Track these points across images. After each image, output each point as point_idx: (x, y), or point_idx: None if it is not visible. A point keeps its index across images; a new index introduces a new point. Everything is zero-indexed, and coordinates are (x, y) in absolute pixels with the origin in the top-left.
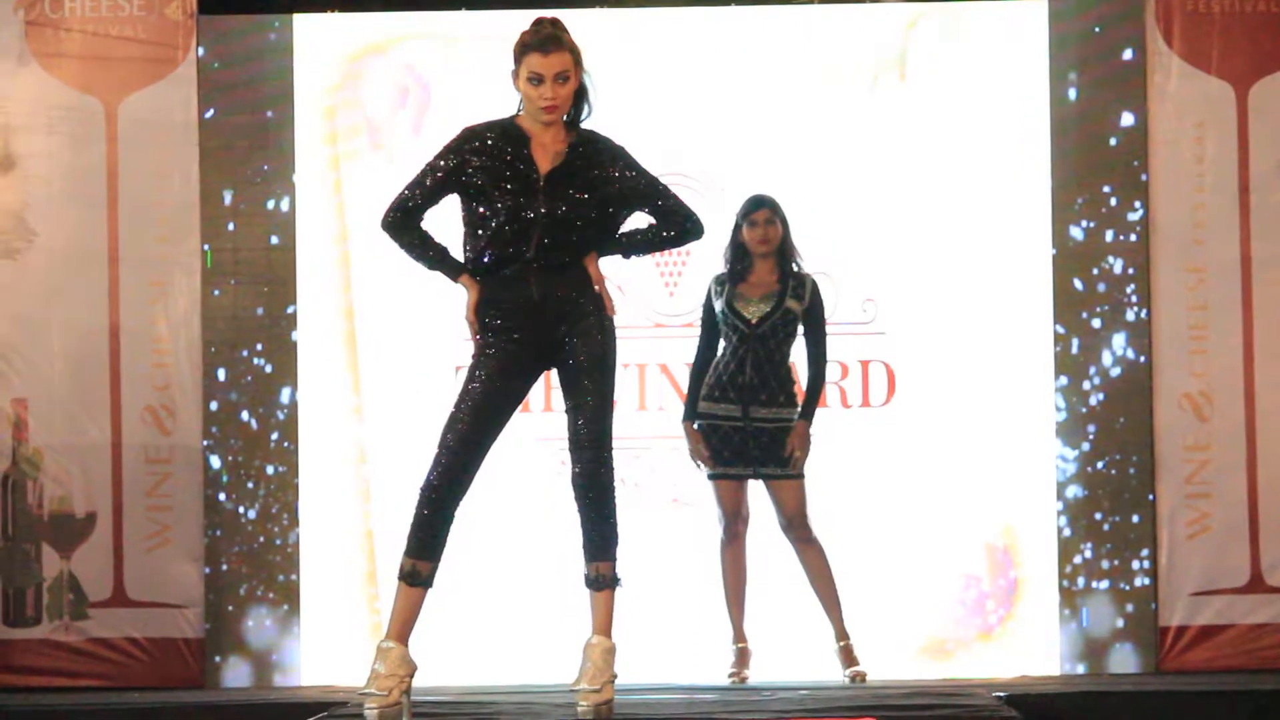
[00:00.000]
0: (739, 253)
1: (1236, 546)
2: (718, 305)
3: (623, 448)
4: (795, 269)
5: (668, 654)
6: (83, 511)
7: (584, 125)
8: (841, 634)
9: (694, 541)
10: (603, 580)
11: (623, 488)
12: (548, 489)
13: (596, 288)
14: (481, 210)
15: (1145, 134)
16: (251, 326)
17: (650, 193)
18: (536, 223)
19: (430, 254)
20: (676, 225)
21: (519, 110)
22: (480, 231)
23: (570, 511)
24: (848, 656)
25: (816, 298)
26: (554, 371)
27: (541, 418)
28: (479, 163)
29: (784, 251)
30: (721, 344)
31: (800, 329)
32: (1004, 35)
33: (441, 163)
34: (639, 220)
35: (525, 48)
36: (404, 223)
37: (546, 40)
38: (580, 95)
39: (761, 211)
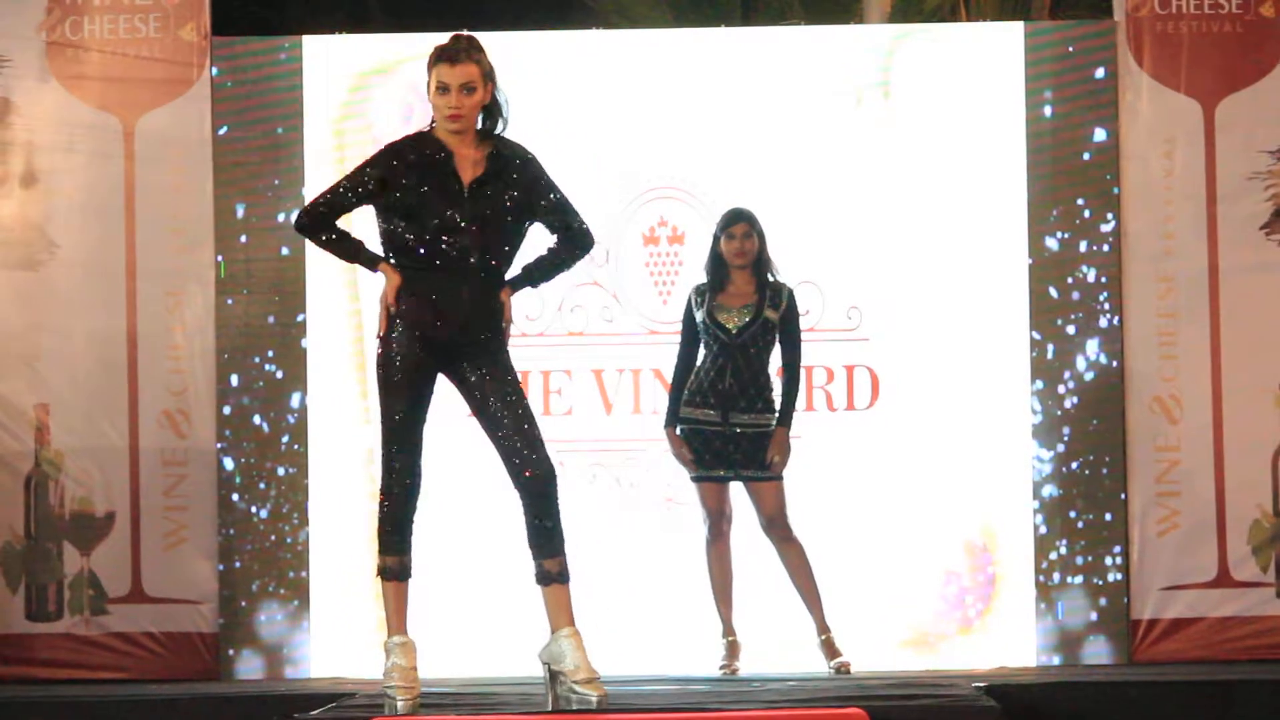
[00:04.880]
0: (718, 264)
1: (1205, 543)
2: (698, 315)
3: (618, 450)
4: (772, 279)
5: (661, 647)
6: (102, 511)
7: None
8: (823, 628)
9: (686, 539)
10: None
11: (618, 488)
12: None
13: (505, 323)
14: (405, 221)
15: (1117, 149)
16: (263, 334)
17: (556, 207)
18: (460, 231)
19: (348, 246)
20: (576, 247)
21: (433, 123)
22: (404, 241)
23: (569, 506)
24: (830, 649)
25: (792, 306)
26: (458, 377)
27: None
28: (406, 179)
29: (761, 263)
30: (702, 352)
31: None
32: (982, 55)
33: (367, 177)
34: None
35: (436, 59)
36: (319, 225)
37: (457, 52)
38: (492, 110)
39: (739, 225)
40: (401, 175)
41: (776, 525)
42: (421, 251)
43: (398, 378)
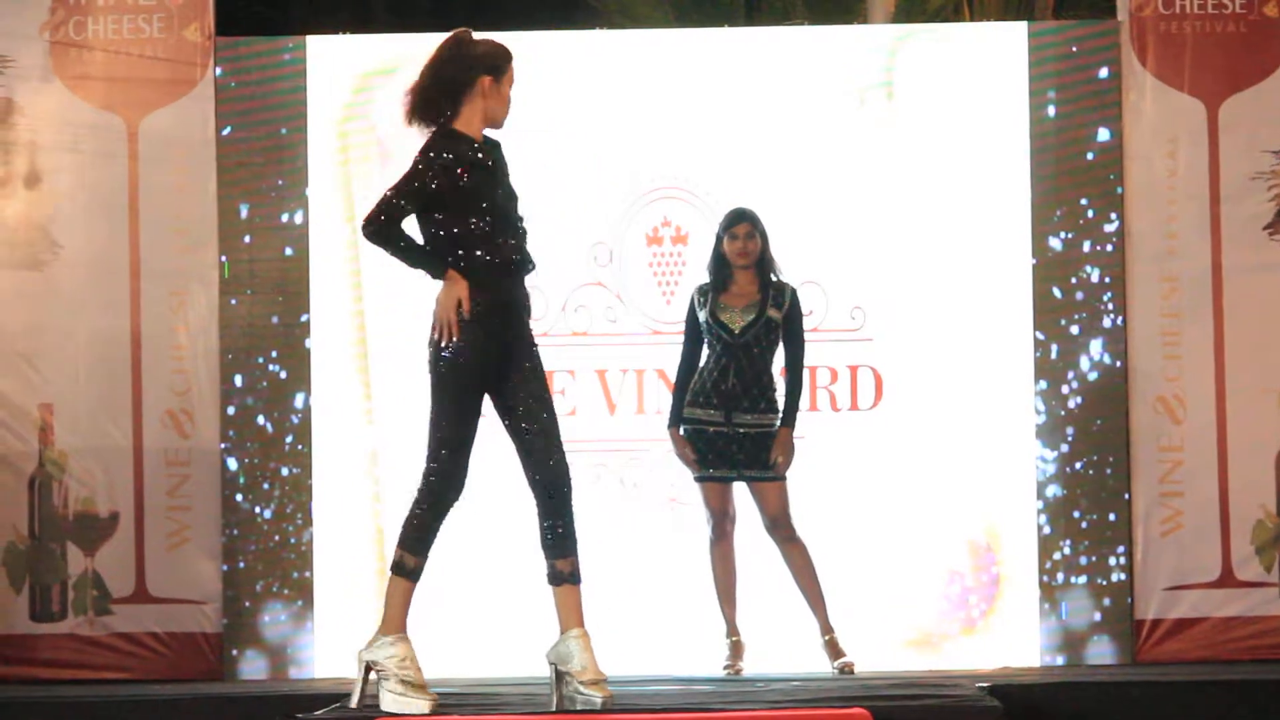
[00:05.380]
0: (720, 264)
1: (1208, 543)
2: (701, 315)
3: (622, 450)
4: (774, 279)
5: (665, 647)
6: (106, 511)
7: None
8: (826, 628)
9: (690, 539)
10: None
11: (622, 488)
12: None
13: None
14: (473, 221)
15: (1121, 149)
16: (267, 334)
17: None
18: (515, 227)
19: (415, 252)
20: None
21: (453, 123)
22: (470, 241)
23: (580, 508)
24: (834, 649)
25: (795, 306)
26: (502, 376)
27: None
28: (473, 175)
29: (763, 263)
30: (705, 352)
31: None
32: (986, 55)
33: (431, 177)
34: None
35: (509, 57)
36: (391, 228)
37: None
38: None
39: (742, 225)
40: (469, 170)
41: (780, 526)
42: (489, 250)
43: (466, 386)
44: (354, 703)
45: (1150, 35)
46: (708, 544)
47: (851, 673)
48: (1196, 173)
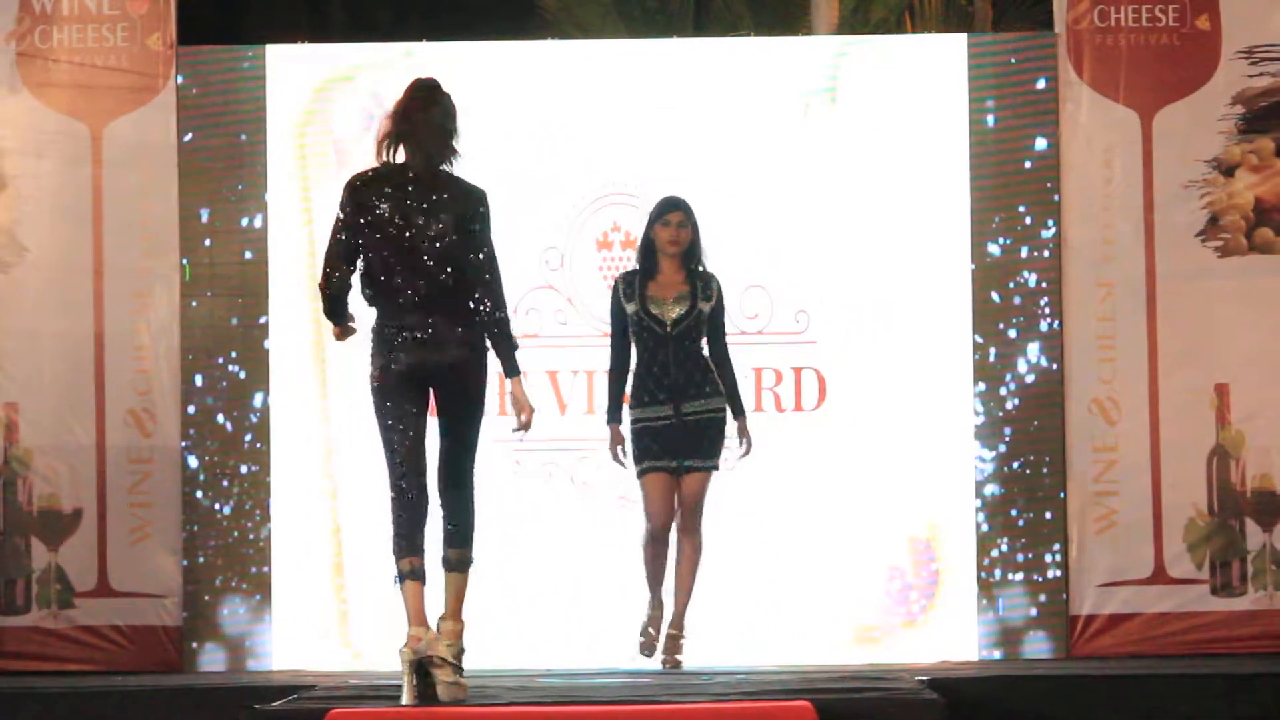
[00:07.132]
0: (648, 250)
1: (1141, 541)
2: (630, 307)
3: (572, 449)
4: (700, 269)
5: (613, 640)
6: (70, 508)
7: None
8: (678, 624)
9: (638, 536)
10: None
11: (572, 486)
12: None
13: None
14: None
15: (1057, 158)
16: (226, 335)
17: None
18: None
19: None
20: None
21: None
22: None
23: (527, 503)
24: (674, 645)
25: (720, 297)
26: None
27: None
28: None
29: (691, 253)
30: (636, 345)
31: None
32: (927, 66)
33: None
34: None
35: None
36: None
37: None
38: None
39: (675, 214)
40: None
41: (693, 515)
42: None
43: None
44: (407, 699)
45: (1086, 47)
46: (641, 541)
47: (676, 666)
48: (1131, 181)
